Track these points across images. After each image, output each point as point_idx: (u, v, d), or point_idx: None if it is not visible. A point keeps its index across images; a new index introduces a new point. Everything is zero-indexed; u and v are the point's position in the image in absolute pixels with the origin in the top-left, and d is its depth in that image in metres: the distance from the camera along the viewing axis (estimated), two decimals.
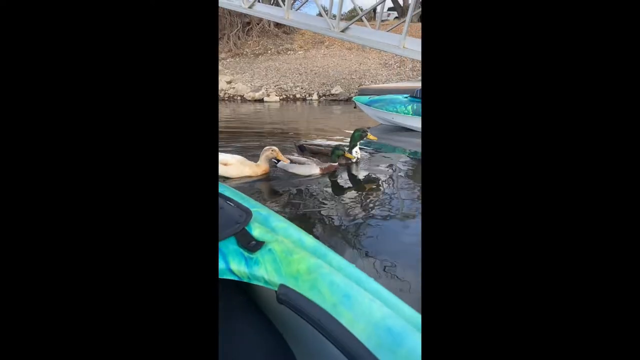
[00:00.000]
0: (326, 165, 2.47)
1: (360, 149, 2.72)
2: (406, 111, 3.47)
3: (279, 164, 2.53)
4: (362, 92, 4.65)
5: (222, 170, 2.37)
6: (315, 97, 8.62)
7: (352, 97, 6.30)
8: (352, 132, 2.70)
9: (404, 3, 13.56)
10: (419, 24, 10.92)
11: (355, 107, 4.50)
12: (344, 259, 0.72)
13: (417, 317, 0.59)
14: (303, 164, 2.47)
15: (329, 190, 2.15)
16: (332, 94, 8.44)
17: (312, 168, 2.45)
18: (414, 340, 0.52)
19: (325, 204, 1.91)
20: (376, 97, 3.91)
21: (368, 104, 3.98)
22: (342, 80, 9.01)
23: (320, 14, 5.78)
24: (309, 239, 0.78)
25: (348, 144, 2.69)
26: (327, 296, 0.61)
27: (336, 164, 2.51)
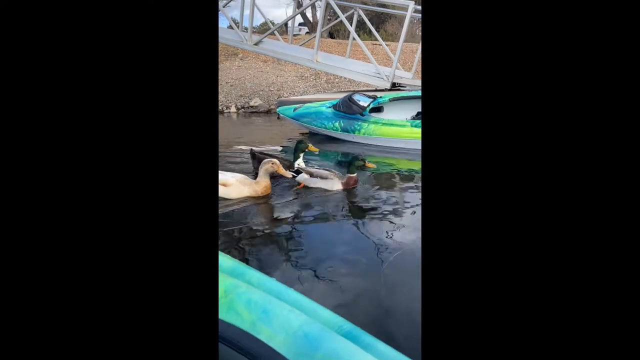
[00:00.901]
0: (345, 178, 2.23)
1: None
2: (334, 127, 3.45)
3: (298, 178, 2.28)
4: (282, 104, 4.60)
5: (223, 192, 2.08)
6: (233, 109, 8.37)
7: (272, 109, 6.31)
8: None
9: (313, 19, 14.29)
10: (329, 40, 11.64)
11: (279, 118, 4.41)
12: (263, 274, 0.72)
13: (335, 318, 0.63)
14: (325, 178, 2.23)
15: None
16: (251, 106, 8.33)
17: (334, 183, 2.22)
18: (331, 342, 0.55)
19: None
20: (302, 110, 3.76)
21: (295, 118, 3.83)
22: (261, 92, 8.98)
23: (230, 27, 5.68)
24: (226, 260, 0.77)
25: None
26: (244, 315, 0.61)
27: (355, 175, 2.25)
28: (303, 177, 2.29)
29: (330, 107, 3.53)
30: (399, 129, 3.08)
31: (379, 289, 1.20)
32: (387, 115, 3.51)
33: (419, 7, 4.98)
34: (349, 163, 2.27)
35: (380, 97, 3.52)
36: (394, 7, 6.13)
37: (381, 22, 13.38)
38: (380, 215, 1.89)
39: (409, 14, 4.20)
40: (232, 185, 2.08)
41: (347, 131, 3.35)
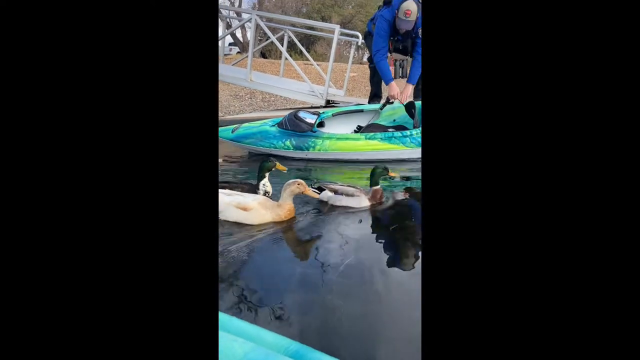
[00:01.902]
0: (370, 192, 2.04)
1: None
2: (285, 146, 3.22)
3: (322, 196, 2.06)
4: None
5: (243, 217, 1.80)
6: None
7: None
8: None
9: (243, 39, 14.32)
10: (261, 59, 11.76)
11: None
12: None
13: (281, 340, 0.63)
14: (351, 195, 2.05)
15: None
16: None
17: (362, 199, 2.04)
18: None
19: None
20: (242, 131, 3.39)
21: (236, 140, 3.43)
22: None
23: None
24: None
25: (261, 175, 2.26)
26: None
27: (380, 187, 2.06)
28: (327, 196, 2.10)
29: (274, 126, 3.31)
30: (355, 143, 3.10)
31: (329, 299, 1.22)
32: (328, 129, 3.54)
33: (345, 30, 5.37)
34: (371, 174, 2.08)
35: (323, 112, 3.54)
36: (321, 29, 6.50)
37: (311, 43, 14.03)
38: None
39: (335, 37, 4.49)
40: (253, 209, 1.82)
41: (301, 149, 3.21)
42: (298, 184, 1.89)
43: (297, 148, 3.26)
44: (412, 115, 3.25)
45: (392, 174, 2.13)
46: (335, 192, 2.10)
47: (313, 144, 3.19)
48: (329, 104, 4.66)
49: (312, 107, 4.54)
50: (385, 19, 3.19)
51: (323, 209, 2.03)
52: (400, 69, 3.57)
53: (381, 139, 3.06)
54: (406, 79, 3.45)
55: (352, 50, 5.63)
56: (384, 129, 3.34)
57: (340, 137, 3.18)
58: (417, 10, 3.05)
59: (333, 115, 3.55)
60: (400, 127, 3.39)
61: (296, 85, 5.22)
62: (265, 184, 2.25)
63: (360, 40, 5.23)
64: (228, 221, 1.81)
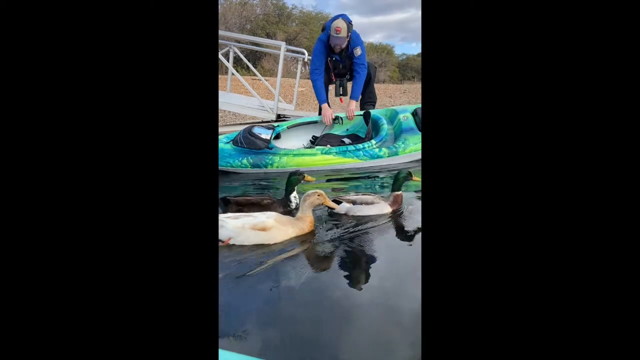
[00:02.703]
0: (391, 198, 1.96)
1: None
2: (242, 165, 3.16)
3: (340, 208, 1.93)
4: None
5: (265, 238, 1.64)
6: None
7: None
8: None
9: None
10: None
11: None
12: None
13: (242, 358, 0.65)
14: (371, 203, 1.94)
15: None
16: None
17: (383, 206, 1.95)
18: None
19: None
20: None
21: None
22: None
23: None
24: None
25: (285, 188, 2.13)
26: None
27: (401, 192, 1.99)
28: (346, 207, 2.00)
29: (228, 143, 3.23)
30: (312, 158, 3.13)
31: (291, 312, 1.22)
32: (284, 141, 3.54)
33: (291, 47, 5.50)
34: (394, 179, 2.03)
35: (278, 126, 3.50)
36: (267, 46, 6.58)
37: (257, 59, 14.07)
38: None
39: (282, 53, 4.59)
40: (274, 228, 1.69)
41: (259, 166, 3.16)
42: (318, 195, 1.80)
43: (254, 166, 3.20)
44: (367, 123, 3.44)
45: (415, 178, 2.08)
46: (354, 202, 2.02)
47: (271, 162, 3.15)
48: (279, 118, 4.69)
49: (262, 122, 4.53)
50: (320, 41, 3.51)
51: (342, 221, 1.93)
52: (341, 88, 3.82)
53: (336, 153, 3.16)
54: (348, 96, 3.67)
55: (300, 66, 5.78)
56: (338, 138, 3.47)
57: (297, 153, 3.19)
58: (347, 28, 3.29)
59: (288, 127, 3.59)
60: (353, 136, 3.54)
61: (245, 100, 5.17)
62: (296, 196, 2.14)
63: (307, 57, 5.40)
64: (245, 245, 1.66)
